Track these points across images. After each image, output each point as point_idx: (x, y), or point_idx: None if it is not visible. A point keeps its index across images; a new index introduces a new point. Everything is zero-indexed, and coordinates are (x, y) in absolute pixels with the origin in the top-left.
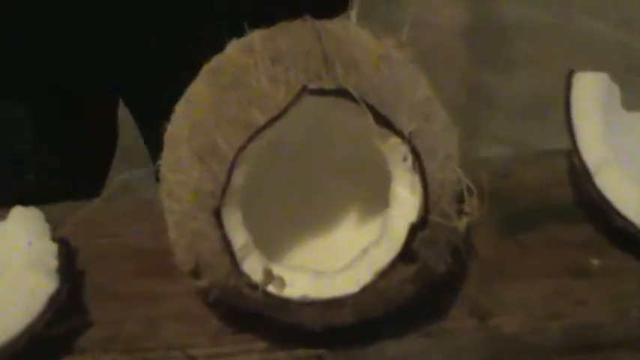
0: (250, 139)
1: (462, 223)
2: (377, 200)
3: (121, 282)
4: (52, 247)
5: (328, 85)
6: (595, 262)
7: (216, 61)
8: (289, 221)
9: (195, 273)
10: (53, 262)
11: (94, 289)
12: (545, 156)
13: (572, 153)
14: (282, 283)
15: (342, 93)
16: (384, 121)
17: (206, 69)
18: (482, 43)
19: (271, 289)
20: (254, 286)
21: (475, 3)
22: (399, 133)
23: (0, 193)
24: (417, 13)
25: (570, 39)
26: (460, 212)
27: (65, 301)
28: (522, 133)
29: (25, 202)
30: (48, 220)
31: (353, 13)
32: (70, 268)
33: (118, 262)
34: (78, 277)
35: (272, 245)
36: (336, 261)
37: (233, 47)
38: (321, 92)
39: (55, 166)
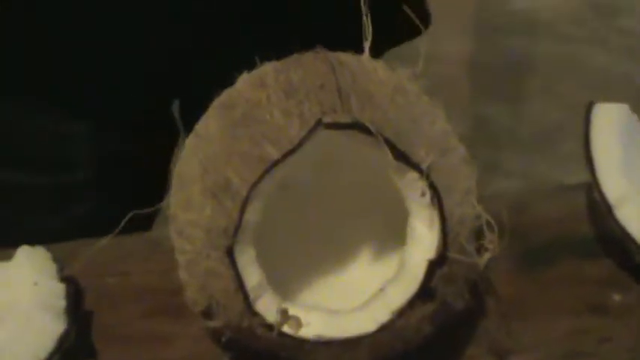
0: (264, 175)
1: (482, 260)
2: (392, 237)
3: (129, 323)
4: (60, 288)
5: (343, 118)
6: (617, 297)
7: (226, 95)
8: (303, 259)
9: (208, 313)
10: (61, 303)
11: (102, 330)
12: (563, 190)
13: (592, 187)
14: (298, 322)
15: (357, 126)
16: (402, 156)
17: (216, 103)
18: (488, 75)
19: (287, 329)
20: (269, 327)
21: (480, 36)
22: (416, 168)
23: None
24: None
25: (577, 70)
26: (479, 248)
27: (73, 342)
28: (531, 165)
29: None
30: (55, 259)
31: (367, 44)
32: (77, 309)
33: (127, 303)
34: (86, 318)
35: (285, 284)
36: (350, 300)
37: (244, 81)
38: (336, 126)
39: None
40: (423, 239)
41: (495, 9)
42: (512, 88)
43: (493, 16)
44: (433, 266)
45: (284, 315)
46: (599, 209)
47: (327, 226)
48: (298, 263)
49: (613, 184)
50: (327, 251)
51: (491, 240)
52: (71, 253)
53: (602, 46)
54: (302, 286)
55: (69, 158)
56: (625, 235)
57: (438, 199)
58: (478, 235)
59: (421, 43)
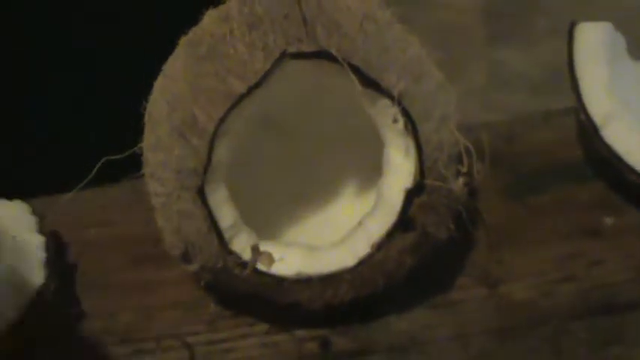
0: (230, 110)
1: (458, 185)
2: (376, 170)
3: (113, 272)
4: (39, 240)
5: (308, 47)
6: (608, 220)
7: (192, 32)
8: (284, 198)
9: (185, 257)
10: (40, 255)
11: (85, 281)
12: (551, 116)
13: (578, 108)
14: (270, 258)
15: (323, 55)
16: (371, 82)
17: (183, 41)
18: (500, 20)
19: (260, 266)
20: (244, 265)
21: None
22: (387, 94)
23: None
24: None
25: (589, 8)
26: (459, 174)
27: (55, 294)
28: (544, 106)
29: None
30: (34, 212)
31: None
32: (58, 261)
33: (111, 253)
34: (68, 270)
35: (266, 223)
36: (334, 236)
37: (209, 16)
38: (301, 55)
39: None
40: (399, 168)
41: None
42: (525, 31)
43: None
44: (411, 195)
45: (255, 252)
46: (586, 131)
47: (308, 164)
48: (280, 202)
49: (598, 103)
50: (308, 189)
51: (470, 165)
52: (51, 205)
53: None
54: (285, 224)
55: None
56: (613, 155)
57: (412, 126)
58: (459, 161)
59: None
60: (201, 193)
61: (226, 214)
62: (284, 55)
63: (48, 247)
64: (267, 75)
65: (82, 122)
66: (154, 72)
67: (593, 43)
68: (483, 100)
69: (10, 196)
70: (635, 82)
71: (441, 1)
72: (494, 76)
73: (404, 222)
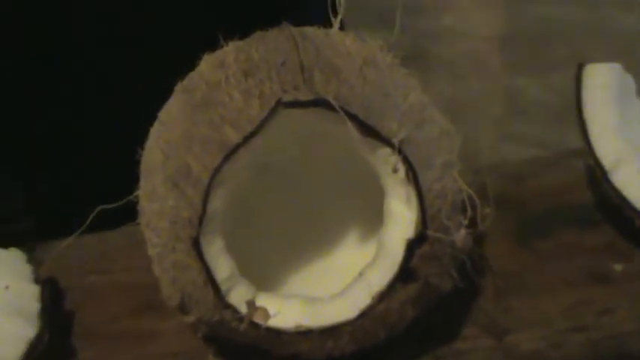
0: (225, 160)
1: (462, 236)
2: (378, 217)
3: (111, 321)
4: (34, 290)
5: (305, 95)
6: (618, 267)
7: (188, 78)
8: (283, 246)
9: (182, 308)
10: (34, 306)
11: (83, 330)
12: (562, 157)
13: (586, 151)
14: (266, 313)
15: (321, 103)
16: (370, 131)
17: (179, 87)
18: (517, 48)
19: (257, 320)
20: (241, 319)
21: (508, 8)
22: (387, 142)
23: None
24: (451, 23)
25: (605, 36)
26: (461, 225)
27: (49, 345)
28: (559, 136)
29: None
30: (30, 260)
31: (338, 18)
32: (55, 310)
33: (108, 300)
34: (66, 318)
35: (265, 273)
36: (335, 286)
37: (206, 62)
38: (297, 104)
39: None
40: (400, 218)
41: None
42: (542, 59)
43: None
44: (412, 246)
45: (251, 307)
46: (595, 175)
47: (308, 212)
48: (280, 252)
49: (607, 147)
50: (310, 236)
51: (473, 213)
52: (49, 251)
53: (629, 10)
54: (284, 274)
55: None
56: (622, 200)
57: (413, 174)
58: (463, 209)
59: (397, 14)
60: (196, 245)
61: (223, 266)
62: (280, 104)
63: (43, 297)
64: (262, 124)
65: (80, 166)
66: (150, 118)
67: (602, 85)
68: (500, 128)
69: (7, 243)
70: None
71: (458, 29)
72: (511, 104)
73: (405, 273)
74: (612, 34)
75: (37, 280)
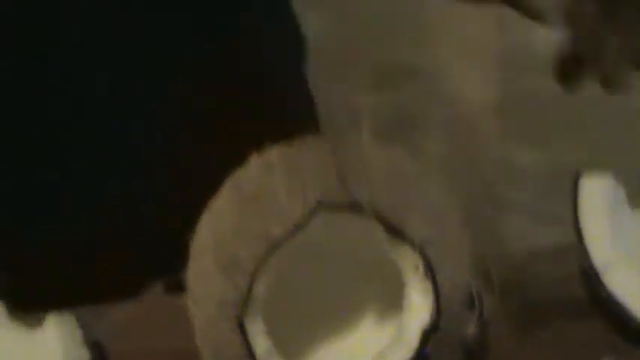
0: (269, 252)
1: (471, 327)
2: (396, 300)
3: None
4: (85, 356)
5: (342, 199)
6: None
7: (237, 174)
8: (311, 324)
9: None
10: None
11: None
12: (561, 249)
13: (581, 253)
14: None
15: (355, 207)
16: (396, 232)
17: (228, 182)
18: (512, 117)
19: None
20: None
21: (504, 79)
22: (410, 243)
23: None
24: (448, 90)
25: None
26: (470, 315)
27: None
28: (553, 205)
29: None
30: (81, 324)
31: (366, 128)
32: None
33: None
34: None
35: (294, 349)
36: None
37: (253, 161)
38: (334, 207)
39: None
40: (418, 308)
41: (519, 50)
42: (536, 129)
43: (516, 57)
44: (427, 334)
45: None
46: (589, 273)
47: (334, 293)
48: (307, 329)
49: (601, 252)
50: (333, 317)
51: (482, 306)
52: (98, 317)
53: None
54: (310, 351)
55: None
56: (612, 301)
57: (431, 272)
58: (472, 301)
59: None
60: (241, 325)
61: (262, 343)
62: (319, 206)
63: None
64: (303, 224)
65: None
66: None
67: (597, 193)
68: (493, 197)
69: (59, 307)
70: (635, 232)
71: (454, 95)
72: (505, 172)
73: (420, 357)
74: (607, 110)
75: (87, 343)
